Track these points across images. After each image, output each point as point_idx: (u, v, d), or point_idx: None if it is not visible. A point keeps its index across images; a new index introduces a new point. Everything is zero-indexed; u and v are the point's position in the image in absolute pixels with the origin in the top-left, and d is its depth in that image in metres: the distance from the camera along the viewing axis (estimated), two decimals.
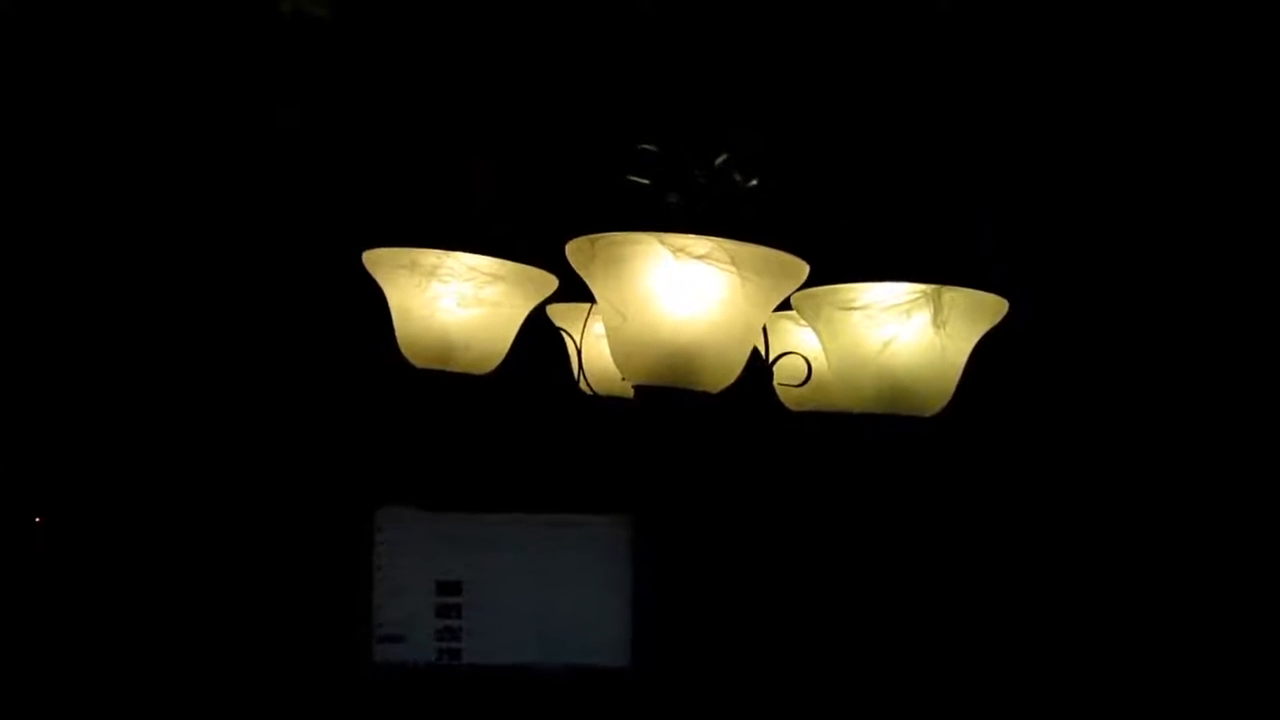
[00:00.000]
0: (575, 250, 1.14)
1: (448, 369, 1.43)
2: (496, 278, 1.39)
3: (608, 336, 1.18)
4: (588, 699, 2.87)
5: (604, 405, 1.66)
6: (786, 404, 1.64)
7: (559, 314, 1.74)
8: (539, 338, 1.67)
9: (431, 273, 1.37)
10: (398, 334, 1.44)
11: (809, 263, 1.22)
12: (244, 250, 2.79)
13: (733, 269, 1.08)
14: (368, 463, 2.95)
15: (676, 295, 1.10)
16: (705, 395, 1.17)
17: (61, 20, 1.91)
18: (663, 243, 1.07)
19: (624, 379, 1.18)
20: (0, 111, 2.22)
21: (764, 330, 1.49)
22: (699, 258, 1.07)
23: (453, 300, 1.39)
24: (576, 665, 2.88)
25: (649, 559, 2.93)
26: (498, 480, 2.94)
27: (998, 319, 1.29)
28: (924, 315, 1.23)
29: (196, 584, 2.89)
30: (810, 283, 1.27)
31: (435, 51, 1.75)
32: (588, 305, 1.57)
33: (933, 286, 1.21)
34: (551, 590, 2.90)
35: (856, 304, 1.25)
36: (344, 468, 2.94)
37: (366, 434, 2.94)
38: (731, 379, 1.17)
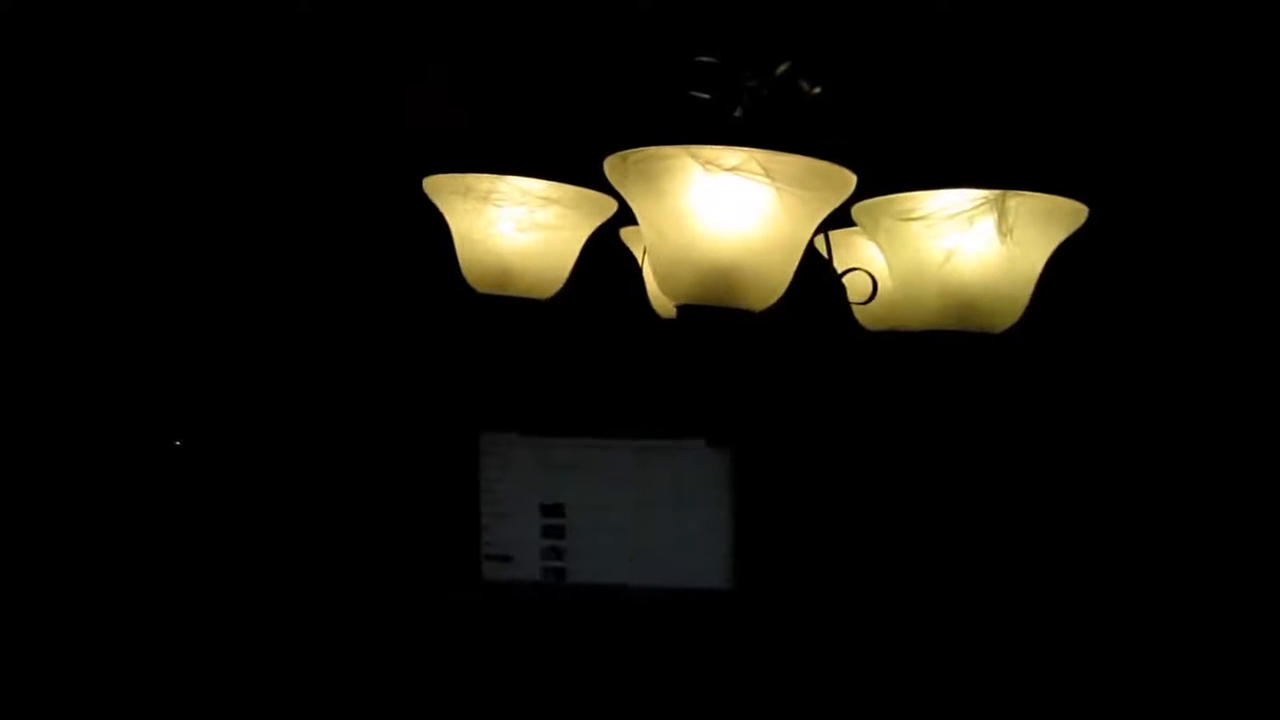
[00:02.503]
0: (611, 167, 1.12)
1: (507, 293, 1.44)
2: (551, 201, 1.38)
3: (648, 255, 1.16)
4: (688, 619, 2.92)
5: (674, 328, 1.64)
6: (862, 323, 1.58)
7: (632, 237, 1.72)
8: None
9: (486, 197, 1.37)
10: (460, 259, 1.45)
11: (871, 171, 1.16)
12: (353, 182, 2.87)
13: (768, 181, 1.04)
14: (472, 390, 3.04)
15: (711, 210, 1.06)
16: (749, 313, 1.13)
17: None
18: (693, 156, 1.03)
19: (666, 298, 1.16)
20: (38, 100, 2.32)
21: (828, 245, 1.44)
22: (731, 170, 1.03)
23: (509, 225, 1.39)
24: (677, 587, 2.92)
25: (749, 481, 2.93)
26: (598, 405, 2.98)
27: (1075, 226, 1.19)
28: (988, 223, 1.15)
29: (320, 508, 3.07)
30: (882, 193, 1.21)
31: None
32: None
33: (996, 191, 1.13)
34: (652, 513, 2.94)
35: (915, 214, 1.18)
36: (450, 396, 3.04)
37: (471, 363, 3.02)
38: (775, 296, 1.13)
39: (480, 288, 1.43)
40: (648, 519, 2.94)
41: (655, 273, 1.14)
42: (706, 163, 1.02)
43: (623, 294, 1.78)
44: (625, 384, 2.93)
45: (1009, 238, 1.15)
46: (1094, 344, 2.69)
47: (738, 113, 1.50)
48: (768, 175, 1.03)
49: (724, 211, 1.06)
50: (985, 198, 1.13)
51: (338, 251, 3.02)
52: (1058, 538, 2.75)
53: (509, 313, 1.47)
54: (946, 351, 1.26)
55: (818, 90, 1.44)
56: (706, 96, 1.50)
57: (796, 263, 1.14)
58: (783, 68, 1.44)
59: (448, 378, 3.04)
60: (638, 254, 1.71)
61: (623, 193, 1.15)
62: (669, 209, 1.08)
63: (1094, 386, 2.71)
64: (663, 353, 2.74)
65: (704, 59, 1.46)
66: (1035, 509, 2.77)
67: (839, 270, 1.42)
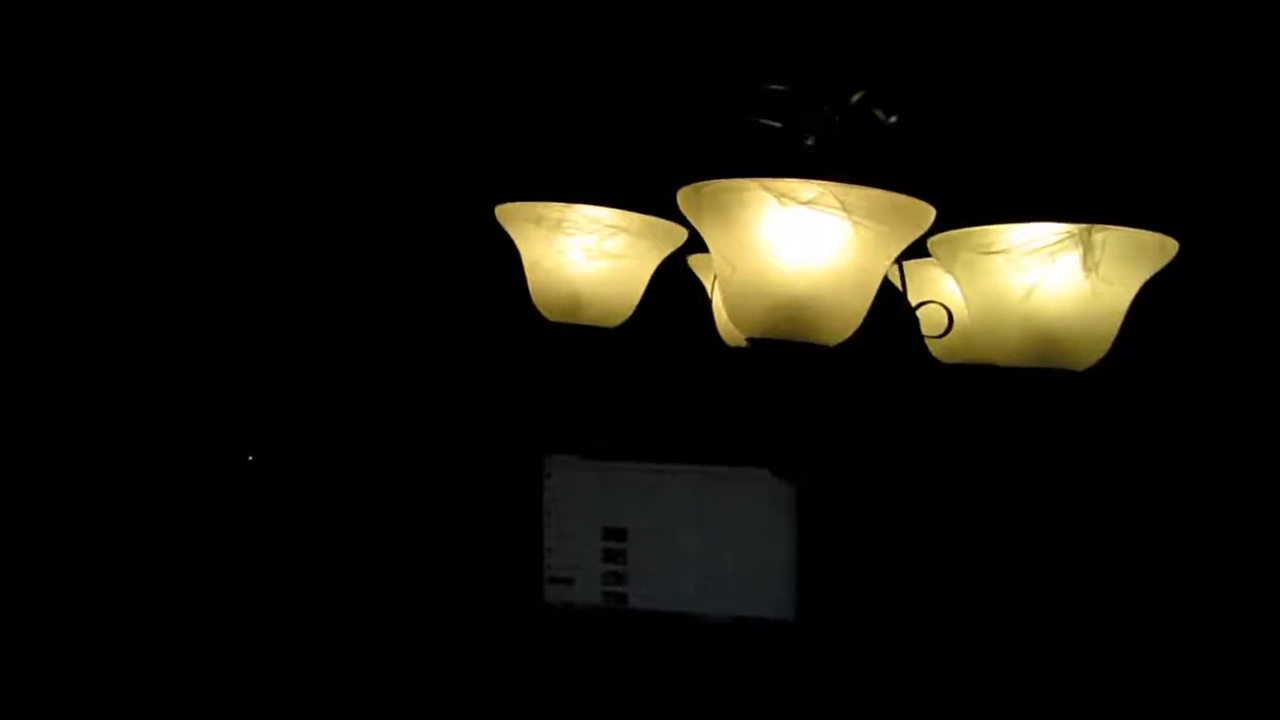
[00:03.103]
0: (684, 199, 1.11)
1: (577, 322, 1.43)
2: (621, 230, 1.37)
3: (720, 287, 1.15)
4: (748, 649, 2.87)
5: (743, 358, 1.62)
6: (936, 356, 1.55)
7: (700, 264, 1.71)
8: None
9: (557, 226, 1.37)
10: (530, 287, 1.46)
11: (948, 204, 1.13)
12: (427, 204, 2.91)
13: (845, 214, 1.02)
14: (537, 412, 3.05)
15: (785, 243, 1.05)
16: (823, 348, 1.11)
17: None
18: (767, 189, 1.01)
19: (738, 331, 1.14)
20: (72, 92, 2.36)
21: (902, 277, 1.41)
22: (806, 203, 1.01)
23: (579, 253, 1.39)
24: (740, 616, 2.88)
25: (813, 512, 2.88)
26: (662, 430, 2.97)
27: (1165, 261, 1.15)
28: (1072, 258, 1.11)
29: (386, 526, 3.11)
30: (958, 225, 1.18)
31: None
32: None
33: (1081, 226, 1.09)
34: (715, 540, 2.91)
35: (995, 247, 1.14)
36: (515, 418, 3.06)
37: (537, 385, 3.04)
38: (849, 331, 1.11)
39: (550, 316, 1.43)
40: (710, 546, 2.91)
41: (727, 305, 1.13)
42: (781, 196, 1.01)
43: (689, 319, 1.77)
44: (690, 409, 2.91)
45: (1095, 273, 1.11)
46: (1180, 380, 2.59)
47: (810, 141, 1.49)
48: (844, 209, 1.01)
49: (798, 245, 1.05)
50: (1069, 232, 1.10)
51: (409, 275, 3.07)
52: (1134, 581, 2.65)
53: (576, 336, 1.48)
54: (1027, 388, 1.22)
55: (894, 119, 1.41)
56: (778, 125, 1.49)
57: (871, 297, 1.11)
58: (857, 96, 1.42)
59: (513, 399, 3.06)
60: (706, 281, 1.70)
61: (695, 224, 1.14)
62: (742, 241, 1.07)
63: (1180, 426, 2.61)
64: (729, 380, 2.72)
65: (776, 87, 1.45)
66: (1106, 550, 2.68)
67: (914, 303, 1.39)
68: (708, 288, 1.67)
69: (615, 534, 2.99)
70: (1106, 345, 1.19)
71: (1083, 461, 2.68)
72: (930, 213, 1.07)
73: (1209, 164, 2.22)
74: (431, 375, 3.10)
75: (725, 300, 1.13)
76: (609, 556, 2.99)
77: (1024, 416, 2.58)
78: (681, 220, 1.41)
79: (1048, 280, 1.13)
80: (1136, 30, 1.65)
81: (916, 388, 2.53)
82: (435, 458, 3.10)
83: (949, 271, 1.27)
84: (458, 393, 3.09)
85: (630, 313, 1.48)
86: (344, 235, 3.03)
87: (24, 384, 2.91)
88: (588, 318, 1.43)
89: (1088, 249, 1.10)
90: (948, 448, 2.76)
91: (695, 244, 1.43)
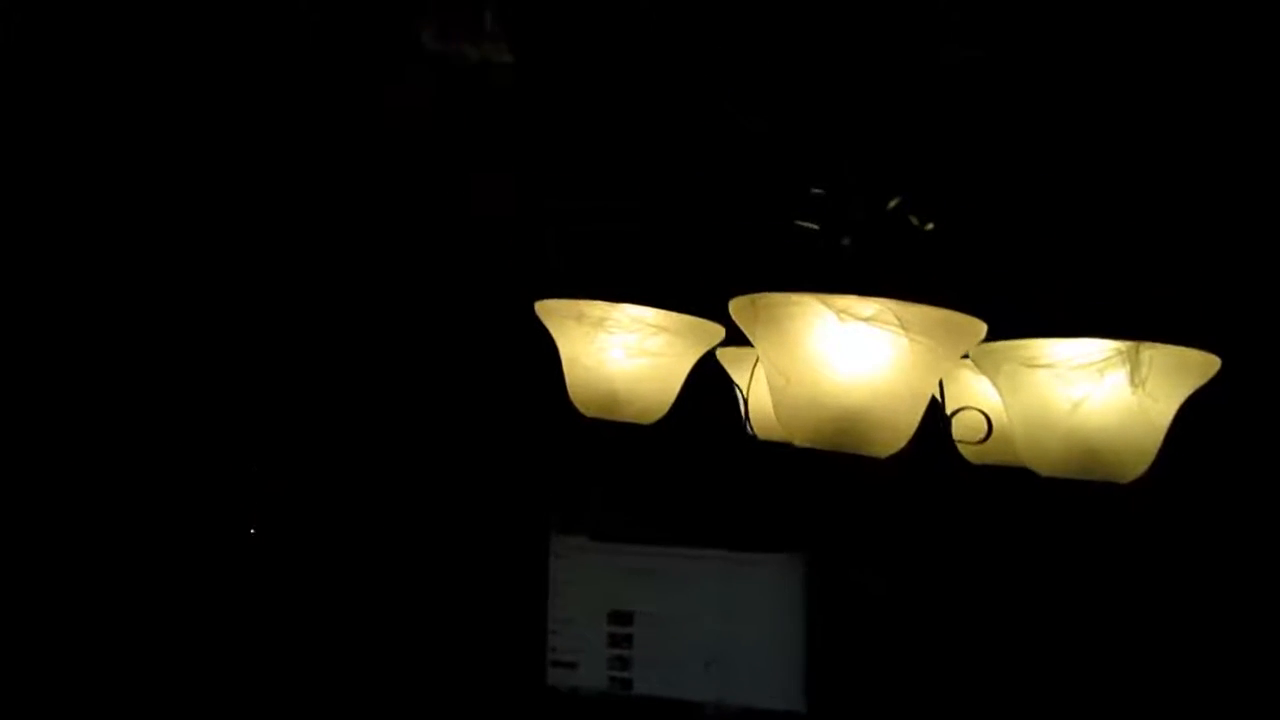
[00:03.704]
0: (738, 309, 1.12)
1: (614, 419, 1.44)
2: (662, 329, 1.39)
3: (772, 397, 1.15)
4: None
5: (773, 449, 1.63)
6: (965, 456, 1.55)
7: (728, 358, 1.72)
8: (719, 374, 1.66)
9: (599, 324, 1.38)
10: (567, 383, 1.46)
11: (987, 316, 1.15)
12: (437, 278, 2.93)
13: (901, 331, 1.03)
14: (544, 492, 3.03)
15: (841, 357, 1.06)
16: (875, 460, 1.12)
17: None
18: (826, 304, 1.03)
19: (790, 442, 1.15)
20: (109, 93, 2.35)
21: (940, 386, 1.42)
22: (865, 319, 1.02)
23: (620, 351, 1.40)
24: (748, 705, 2.83)
25: (824, 600, 2.85)
26: (673, 514, 2.94)
27: (1208, 377, 1.17)
28: (1120, 374, 1.13)
29: (382, 601, 3.06)
30: (990, 334, 1.20)
31: (604, 95, 1.78)
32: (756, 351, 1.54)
33: (1130, 343, 1.11)
34: (724, 627, 2.87)
35: (1042, 361, 1.16)
36: (523, 496, 3.03)
37: (544, 465, 3.02)
38: (901, 444, 1.11)
39: (588, 412, 1.43)
40: (719, 633, 2.87)
41: (779, 415, 1.14)
42: (840, 312, 1.02)
43: (703, 406, 1.77)
44: (701, 494, 2.90)
45: (1142, 389, 1.13)
46: (1204, 489, 2.58)
47: (846, 241, 1.51)
48: (901, 325, 1.03)
49: (854, 358, 1.06)
50: (1117, 349, 1.11)
51: (429, 346, 3.06)
52: (1150, 676, 2.62)
53: (592, 419, 1.48)
54: (1069, 499, 1.23)
55: (930, 226, 1.44)
56: (815, 227, 1.51)
57: (923, 410, 1.12)
58: (894, 202, 1.45)
59: (523, 478, 3.04)
60: (733, 374, 1.71)
61: (748, 333, 1.15)
62: (797, 354, 1.08)
63: (1204, 534, 2.60)
64: (743, 467, 2.71)
65: (815, 190, 1.48)
66: (1121, 647, 2.65)
67: (950, 409, 1.40)
68: (736, 381, 1.68)
69: (621, 618, 2.94)
70: (1150, 458, 1.20)
71: (1099, 560, 2.67)
72: (982, 328, 1.09)
73: (1237, 278, 2.23)
74: (444, 450, 3.08)
75: (779, 410, 1.14)
76: (614, 641, 2.94)
77: (1044, 515, 2.57)
78: (715, 315, 1.43)
79: (1094, 395, 1.15)
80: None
81: (943, 483, 2.52)
82: (443, 534, 3.06)
83: (991, 380, 1.28)
84: (468, 469, 3.07)
85: (665, 410, 1.48)
86: (366, 303, 3.02)
87: (21, 391, 2.86)
88: (625, 415, 1.43)
89: (1135, 365, 1.12)
90: (966, 541, 2.75)
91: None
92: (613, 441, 2.86)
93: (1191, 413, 1.22)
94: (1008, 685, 2.72)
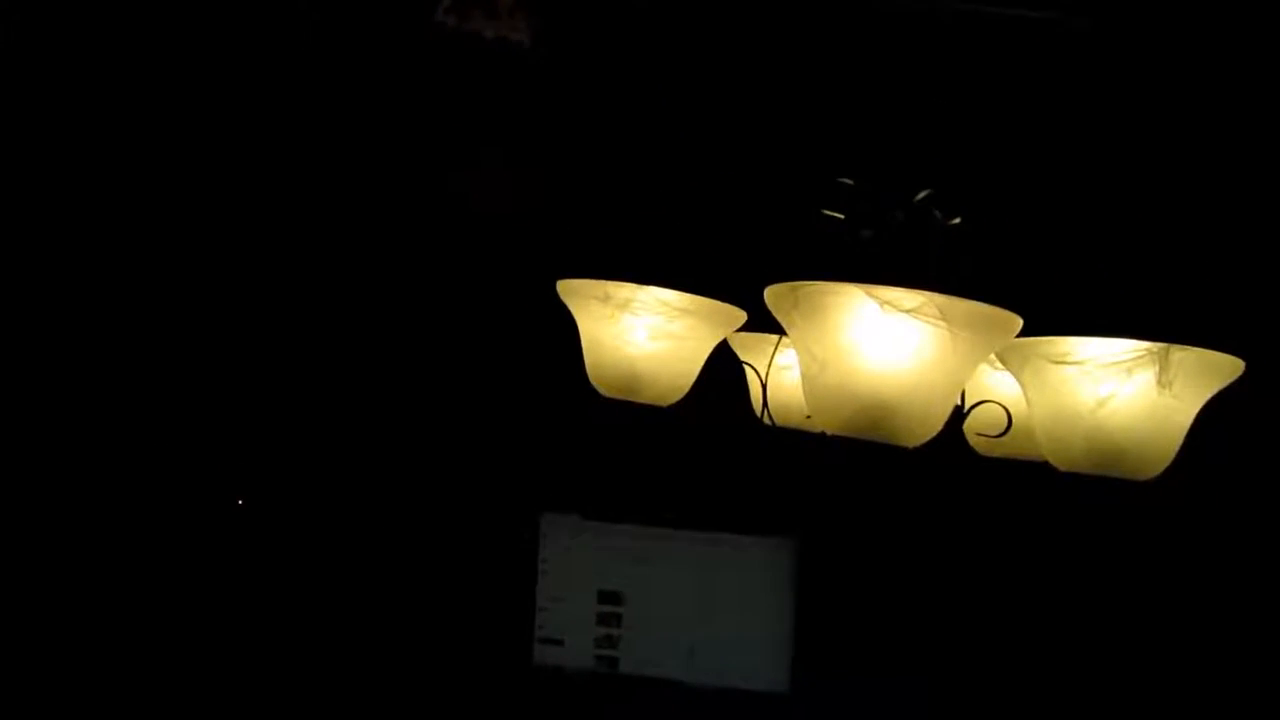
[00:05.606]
0: (775, 296, 1.12)
1: (634, 400, 1.43)
2: (686, 312, 1.38)
3: (803, 383, 1.16)
4: None
5: (783, 436, 1.63)
6: (975, 448, 1.57)
7: (741, 344, 1.72)
8: (714, 358, 1.66)
9: (624, 305, 1.37)
10: (587, 364, 1.46)
11: (1019, 311, 1.16)
12: (437, 262, 2.91)
13: (942, 323, 1.04)
14: (535, 470, 3.02)
15: (879, 347, 1.06)
16: (902, 449, 1.12)
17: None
18: (870, 295, 1.03)
19: (819, 429, 1.15)
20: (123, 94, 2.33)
21: None
22: (908, 311, 1.03)
23: (643, 333, 1.40)
24: (731, 687, 2.86)
25: (812, 583, 2.88)
26: (663, 495, 2.95)
27: (1232, 379, 1.18)
28: (1147, 375, 1.14)
29: (371, 578, 3.04)
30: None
31: (631, 83, 1.77)
32: (775, 338, 1.55)
33: (1160, 345, 1.12)
34: (712, 609, 2.89)
35: (1071, 358, 1.17)
36: (513, 474, 3.03)
37: (537, 443, 3.01)
38: (931, 435, 1.12)
39: (607, 393, 1.43)
40: (706, 614, 2.89)
41: (810, 400, 1.14)
42: (884, 303, 1.03)
43: (697, 388, 1.78)
44: (692, 475, 2.91)
45: (1168, 390, 1.14)
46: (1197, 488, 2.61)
47: (866, 233, 1.51)
48: (943, 318, 1.03)
49: (892, 349, 1.06)
50: (1148, 350, 1.12)
51: (419, 326, 3.04)
52: (1136, 673, 2.67)
53: (580, 396, 1.48)
54: (1088, 493, 1.24)
55: (955, 221, 1.44)
56: (840, 216, 1.51)
57: (955, 402, 1.13)
58: (922, 195, 1.46)
59: (514, 456, 3.03)
60: (745, 358, 1.71)
61: (782, 320, 1.15)
62: (834, 342, 1.08)
63: (1197, 533, 2.64)
64: (735, 450, 2.72)
65: (844, 180, 1.48)
66: (1108, 637, 2.70)
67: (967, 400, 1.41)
68: (749, 365, 1.68)
69: (610, 597, 2.95)
70: (1170, 457, 1.21)
71: (1086, 547, 2.71)
72: (1018, 323, 1.10)
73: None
74: (436, 429, 3.06)
75: (810, 396, 1.14)
76: (603, 620, 2.95)
77: (1034, 502, 2.60)
78: (734, 299, 1.43)
79: (1120, 394, 1.16)
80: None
81: (934, 470, 2.55)
82: (432, 511, 3.05)
83: (1015, 375, 1.29)
84: (458, 446, 3.05)
85: (684, 392, 1.48)
86: (358, 287, 3.00)
87: (21, 391, 2.83)
88: (645, 397, 1.43)
89: (1163, 366, 1.13)
90: (955, 527, 2.78)
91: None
92: (609, 421, 2.86)
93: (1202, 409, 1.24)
94: (995, 669, 2.77)
